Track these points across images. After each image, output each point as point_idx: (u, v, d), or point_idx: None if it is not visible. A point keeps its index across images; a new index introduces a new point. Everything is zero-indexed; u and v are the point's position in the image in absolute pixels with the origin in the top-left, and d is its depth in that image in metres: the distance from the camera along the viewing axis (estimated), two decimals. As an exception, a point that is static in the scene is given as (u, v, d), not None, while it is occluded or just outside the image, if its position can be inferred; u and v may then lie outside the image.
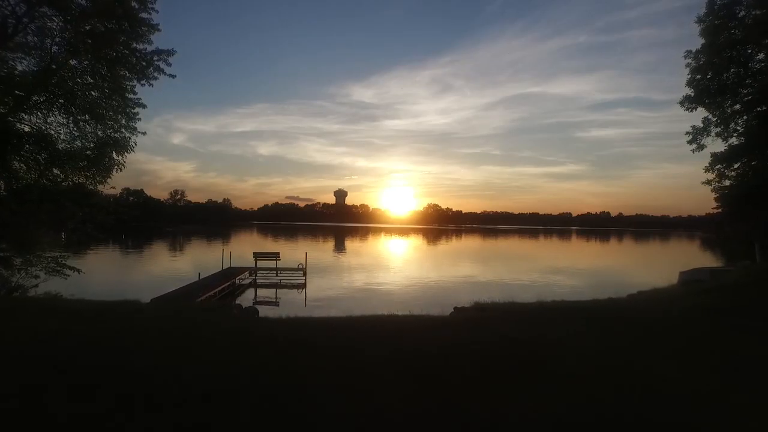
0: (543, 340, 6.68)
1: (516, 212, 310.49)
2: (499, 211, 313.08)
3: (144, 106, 17.30)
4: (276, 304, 18.30)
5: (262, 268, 20.83)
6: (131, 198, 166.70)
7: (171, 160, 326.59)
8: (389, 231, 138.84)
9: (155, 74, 15.89)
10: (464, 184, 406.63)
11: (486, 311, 11.49)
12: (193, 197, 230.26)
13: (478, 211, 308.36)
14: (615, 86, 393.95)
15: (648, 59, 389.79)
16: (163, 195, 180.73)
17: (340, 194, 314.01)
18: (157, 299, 12.68)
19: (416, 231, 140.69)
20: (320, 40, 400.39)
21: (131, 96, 16.80)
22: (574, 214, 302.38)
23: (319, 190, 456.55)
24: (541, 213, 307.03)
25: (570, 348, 6.26)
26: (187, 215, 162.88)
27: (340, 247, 58.63)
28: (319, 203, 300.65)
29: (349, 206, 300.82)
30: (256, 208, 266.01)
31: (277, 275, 20.58)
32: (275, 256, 20.52)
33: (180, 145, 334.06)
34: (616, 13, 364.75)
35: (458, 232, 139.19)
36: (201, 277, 17.06)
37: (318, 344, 6.15)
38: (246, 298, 17.56)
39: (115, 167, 15.58)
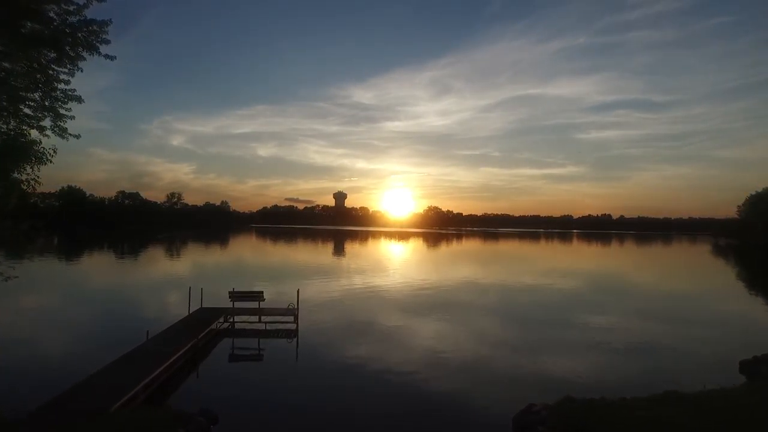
0: None
1: (516, 214, 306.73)
2: (499, 213, 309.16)
3: (79, 100, 12.93)
4: (259, 357, 14.03)
5: (242, 310, 16.31)
6: (126, 201, 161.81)
7: (170, 161, 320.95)
8: (391, 235, 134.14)
9: (83, 53, 11.53)
10: (463, 186, 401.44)
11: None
12: (192, 199, 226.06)
13: (478, 213, 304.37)
14: (615, 88, 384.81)
15: (648, 61, 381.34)
16: (162, 197, 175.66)
17: (340, 196, 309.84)
18: (47, 407, 7.72)
19: (418, 235, 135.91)
20: (320, 41, 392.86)
21: (62, 86, 12.53)
22: (574, 216, 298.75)
23: (318, 191, 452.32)
24: (541, 215, 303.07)
25: None
26: (184, 218, 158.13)
27: (341, 259, 54.07)
28: (318, 205, 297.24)
29: (348, 209, 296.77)
30: (255, 210, 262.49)
31: (260, 320, 16.06)
32: (258, 296, 16.03)
33: (179, 146, 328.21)
34: (616, 14, 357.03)
35: (462, 236, 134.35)
36: (150, 337, 12.48)
37: None
38: (213, 363, 13.06)
39: (24, 184, 11.13)
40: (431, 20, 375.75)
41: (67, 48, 11.54)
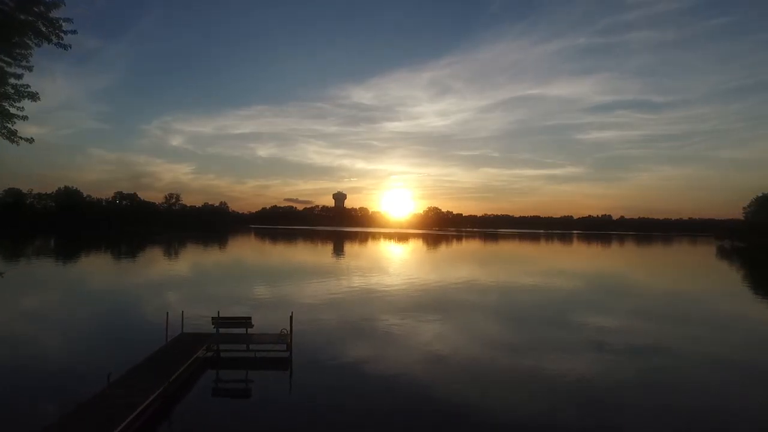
0: None
1: (516, 215, 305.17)
2: (499, 213, 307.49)
3: (34, 98, 11.20)
4: (247, 393, 12.39)
5: (228, 337, 14.46)
6: (123, 202, 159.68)
7: (170, 162, 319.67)
8: (391, 236, 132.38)
9: (35, 40, 9.82)
10: (463, 186, 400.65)
11: None
12: (191, 199, 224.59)
13: (478, 214, 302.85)
14: (614, 88, 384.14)
15: (647, 61, 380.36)
16: (161, 197, 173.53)
17: (339, 197, 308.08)
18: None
19: (418, 236, 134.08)
20: (320, 41, 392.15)
21: (13, 81, 10.86)
22: (575, 217, 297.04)
23: (317, 192, 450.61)
24: (542, 216, 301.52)
25: None
26: (182, 219, 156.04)
27: (340, 264, 52.16)
28: (317, 206, 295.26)
29: (348, 209, 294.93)
30: (254, 211, 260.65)
31: (248, 348, 14.23)
32: (246, 321, 14.20)
33: (179, 147, 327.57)
34: (615, 14, 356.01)
35: (462, 237, 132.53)
36: (112, 380, 10.21)
37: None
38: (193, 404, 11.23)
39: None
40: (431, 21, 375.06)
41: (13, 34, 9.79)
